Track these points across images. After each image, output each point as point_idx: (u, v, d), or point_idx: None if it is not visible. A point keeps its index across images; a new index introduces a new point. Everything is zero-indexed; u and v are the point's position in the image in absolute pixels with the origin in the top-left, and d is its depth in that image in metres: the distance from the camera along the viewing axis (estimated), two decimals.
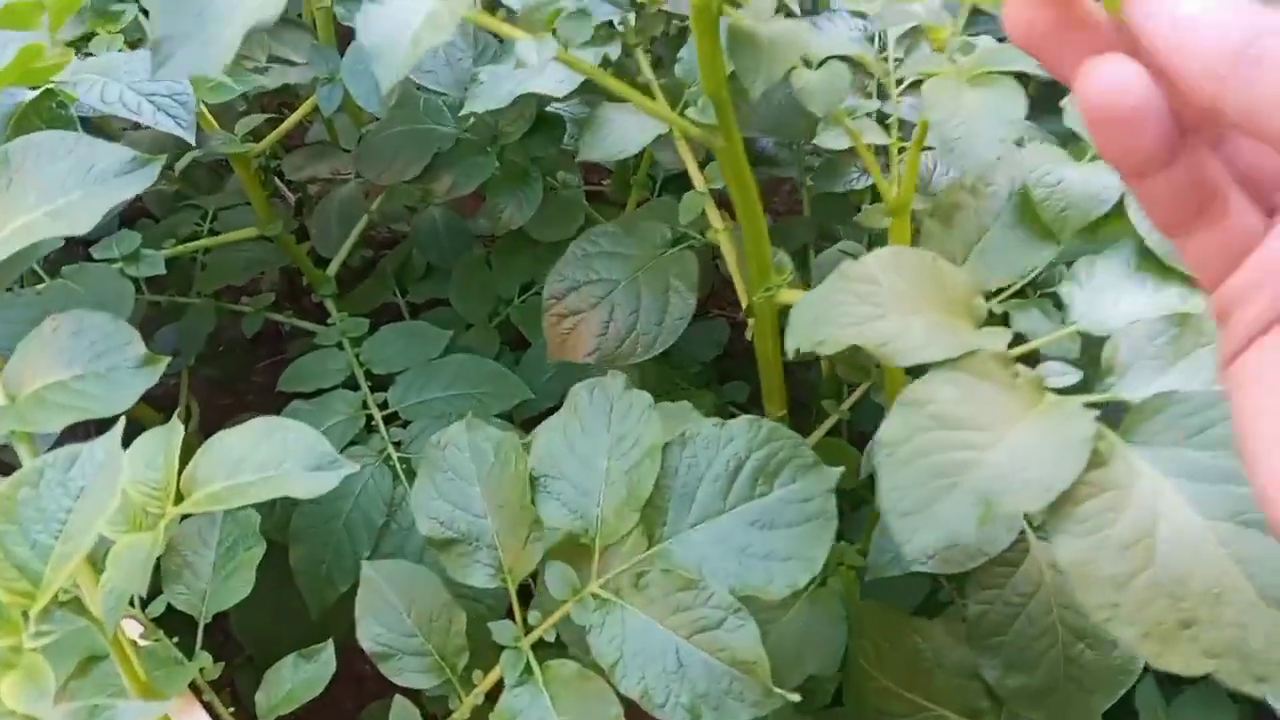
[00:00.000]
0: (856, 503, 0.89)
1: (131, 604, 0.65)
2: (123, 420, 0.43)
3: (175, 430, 0.47)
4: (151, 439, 0.47)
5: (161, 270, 0.79)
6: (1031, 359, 0.51)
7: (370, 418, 0.85)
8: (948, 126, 0.54)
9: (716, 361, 1.18)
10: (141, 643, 0.64)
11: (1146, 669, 0.91)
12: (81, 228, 0.47)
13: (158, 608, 0.65)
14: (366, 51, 0.47)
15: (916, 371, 0.48)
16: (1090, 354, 0.52)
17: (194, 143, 0.63)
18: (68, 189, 0.48)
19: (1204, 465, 0.42)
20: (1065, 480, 0.41)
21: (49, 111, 0.57)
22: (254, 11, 0.45)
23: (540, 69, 0.50)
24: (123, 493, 0.48)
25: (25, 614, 0.40)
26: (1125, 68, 0.25)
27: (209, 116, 0.80)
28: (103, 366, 0.50)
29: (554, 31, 0.49)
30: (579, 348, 0.80)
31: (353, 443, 0.83)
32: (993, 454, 0.42)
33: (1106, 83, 0.25)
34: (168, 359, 0.51)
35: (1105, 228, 0.57)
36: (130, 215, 1.26)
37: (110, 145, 0.50)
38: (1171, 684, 0.88)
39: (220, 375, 1.22)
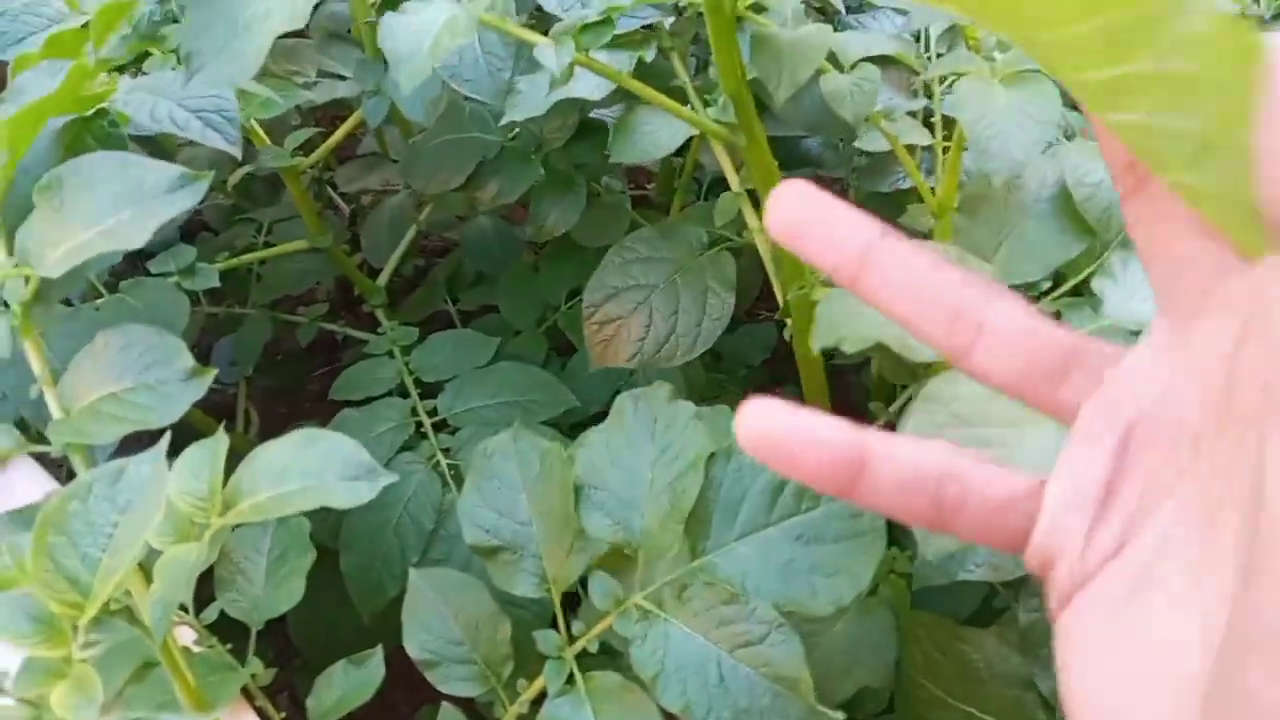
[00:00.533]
0: None
1: (185, 611, 0.66)
2: (168, 435, 0.44)
3: (221, 442, 0.48)
4: (199, 450, 0.48)
5: (215, 283, 0.81)
6: None
7: (420, 424, 0.86)
8: (979, 127, 0.53)
9: (766, 365, 1.17)
10: (195, 649, 0.65)
11: None
12: (133, 244, 0.48)
13: (211, 614, 0.67)
14: (389, 59, 0.48)
15: None
16: None
17: (241, 158, 0.64)
18: (119, 208, 0.49)
19: None
20: None
21: (101, 131, 0.58)
22: (278, 24, 0.46)
23: (566, 74, 0.50)
24: (170, 503, 0.49)
25: (75, 625, 0.41)
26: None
27: (259, 131, 0.81)
28: (152, 379, 0.51)
29: (575, 37, 0.49)
30: (620, 354, 0.80)
31: (403, 449, 0.84)
32: (1017, 453, 0.41)
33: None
34: (214, 371, 0.52)
35: None
36: (190, 229, 1.30)
37: (158, 163, 0.51)
38: None
39: (278, 384, 1.24)
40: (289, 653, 1.01)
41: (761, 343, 1.13)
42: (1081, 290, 0.54)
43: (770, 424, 0.25)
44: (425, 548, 0.80)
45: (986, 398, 0.44)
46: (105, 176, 0.50)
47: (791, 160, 1.04)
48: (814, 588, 0.55)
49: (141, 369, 0.51)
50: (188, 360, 0.50)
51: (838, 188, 1.39)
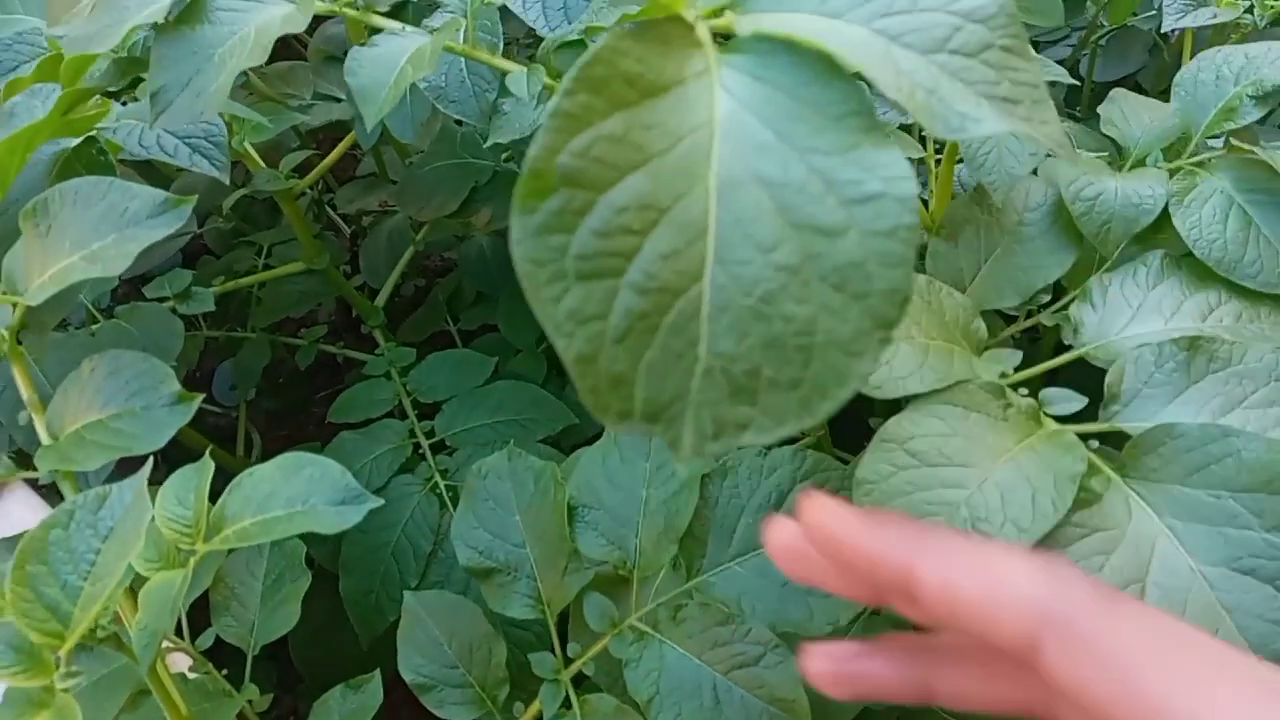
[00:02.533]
0: None
1: (181, 636, 0.66)
2: (150, 461, 0.43)
3: (206, 467, 0.48)
4: (184, 476, 0.48)
5: (210, 307, 0.81)
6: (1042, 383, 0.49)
7: (418, 445, 0.85)
8: (976, 143, 0.53)
9: None
10: (191, 675, 0.64)
11: None
12: (115, 270, 0.48)
13: (207, 640, 0.66)
14: (353, 93, 0.48)
15: None
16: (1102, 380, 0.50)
17: (235, 181, 0.63)
18: (102, 233, 0.49)
19: (1201, 505, 0.40)
20: (1046, 522, 0.39)
21: (90, 158, 0.58)
22: (242, 60, 0.47)
23: (543, 98, 0.50)
24: (156, 529, 0.48)
25: (56, 655, 0.40)
26: None
27: (254, 155, 0.81)
28: (138, 405, 0.51)
29: (549, 57, 0.48)
30: None
31: (400, 471, 0.83)
32: (978, 493, 0.41)
33: None
34: (200, 396, 0.51)
35: (1151, 240, 0.54)
36: (192, 253, 1.30)
37: (141, 188, 0.51)
38: None
39: (280, 407, 1.24)
40: (293, 678, 1.00)
41: None
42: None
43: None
44: (424, 570, 0.79)
45: (943, 437, 0.43)
46: (89, 201, 0.49)
47: None
48: (810, 609, 0.54)
49: (128, 395, 0.50)
50: (174, 385, 0.50)
51: None
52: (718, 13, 0.32)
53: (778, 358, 0.27)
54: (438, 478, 0.83)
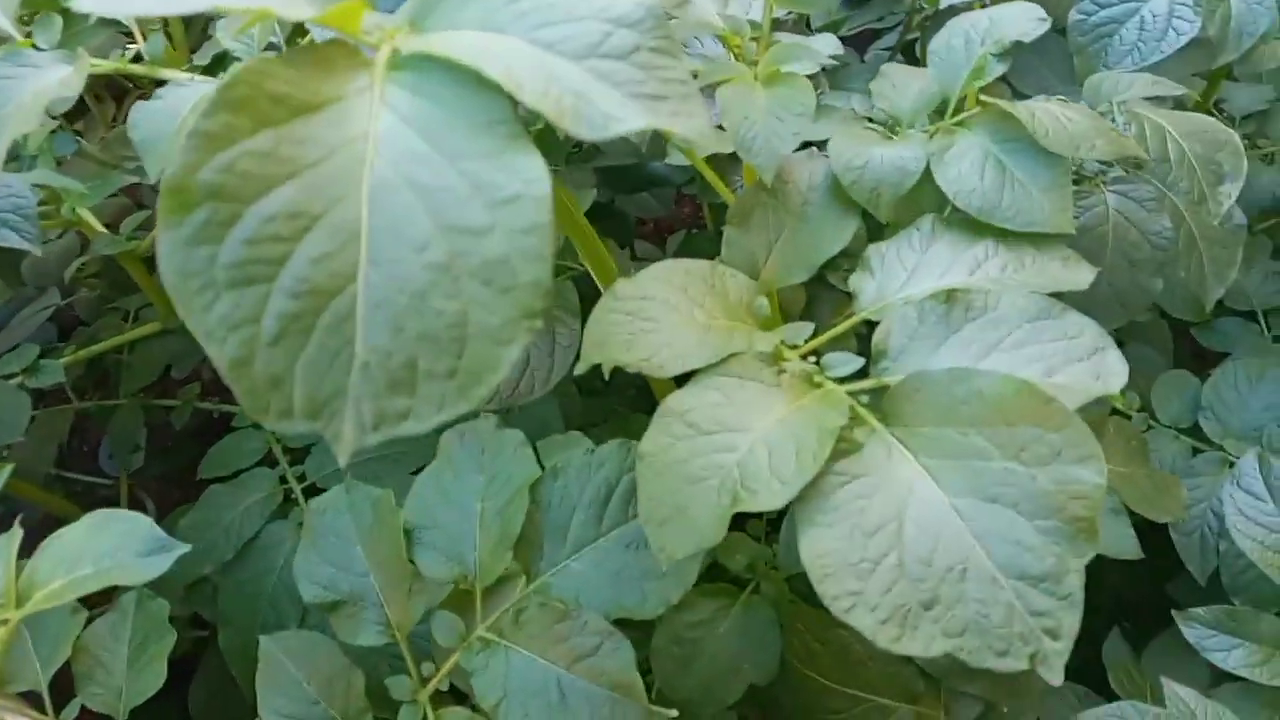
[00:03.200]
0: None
1: (44, 711, 0.65)
2: None
3: (14, 537, 0.48)
4: None
5: (60, 379, 0.80)
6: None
7: (290, 491, 0.85)
8: (743, 129, 0.55)
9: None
10: None
11: (1110, 620, 0.91)
12: None
13: (72, 711, 0.65)
14: (135, 146, 0.49)
15: None
16: None
17: (40, 251, 0.64)
18: None
19: (951, 443, 0.42)
20: (807, 474, 0.41)
21: None
22: (18, 127, 0.47)
23: None
24: None
25: None
26: None
27: (91, 221, 0.81)
28: None
29: None
30: None
31: (273, 518, 0.83)
32: (748, 455, 0.43)
33: None
34: (10, 467, 0.51)
35: (919, 195, 0.57)
36: (68, 325, 1.29)
37: None
38: (1147, 631, 0.87)
39: (170, 470, 1.22)
40: None
41: None
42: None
43: None
44: (302, 616, 0.79)
45: (718, 406, 0.45)
46: None
47: (642, 182, 1.06)
48: (644, 592, 0.56)
49: None
50: None
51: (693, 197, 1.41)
52: (390, 35, 0.33)
53: (433, 350, 0.28)
54: None
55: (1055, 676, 0.41)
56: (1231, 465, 0.82)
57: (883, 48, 1.20)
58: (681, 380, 0.52)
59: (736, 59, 0.62)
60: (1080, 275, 0.53)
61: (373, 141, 0.30)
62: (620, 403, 1.16)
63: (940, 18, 1.14)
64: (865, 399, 0.47)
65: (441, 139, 0.30)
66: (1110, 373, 0.46)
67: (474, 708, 0.57)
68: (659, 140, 0.84)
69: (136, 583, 0.46)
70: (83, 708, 0.66)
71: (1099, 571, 0.43)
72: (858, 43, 1.21)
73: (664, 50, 0.33)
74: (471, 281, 0.28)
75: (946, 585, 0.41)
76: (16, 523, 0.49)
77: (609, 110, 0.31)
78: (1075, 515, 0.41)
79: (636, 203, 1.13)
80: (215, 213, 0.28)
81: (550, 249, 0.28)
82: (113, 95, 1.32)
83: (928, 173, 0.57)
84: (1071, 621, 0.41)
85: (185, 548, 0.48)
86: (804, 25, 1.06)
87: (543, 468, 0.60)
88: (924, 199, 0.57)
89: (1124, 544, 0.75)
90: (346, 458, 0.28)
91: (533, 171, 0.29)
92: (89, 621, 0.68)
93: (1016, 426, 0.42)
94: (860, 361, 0.50)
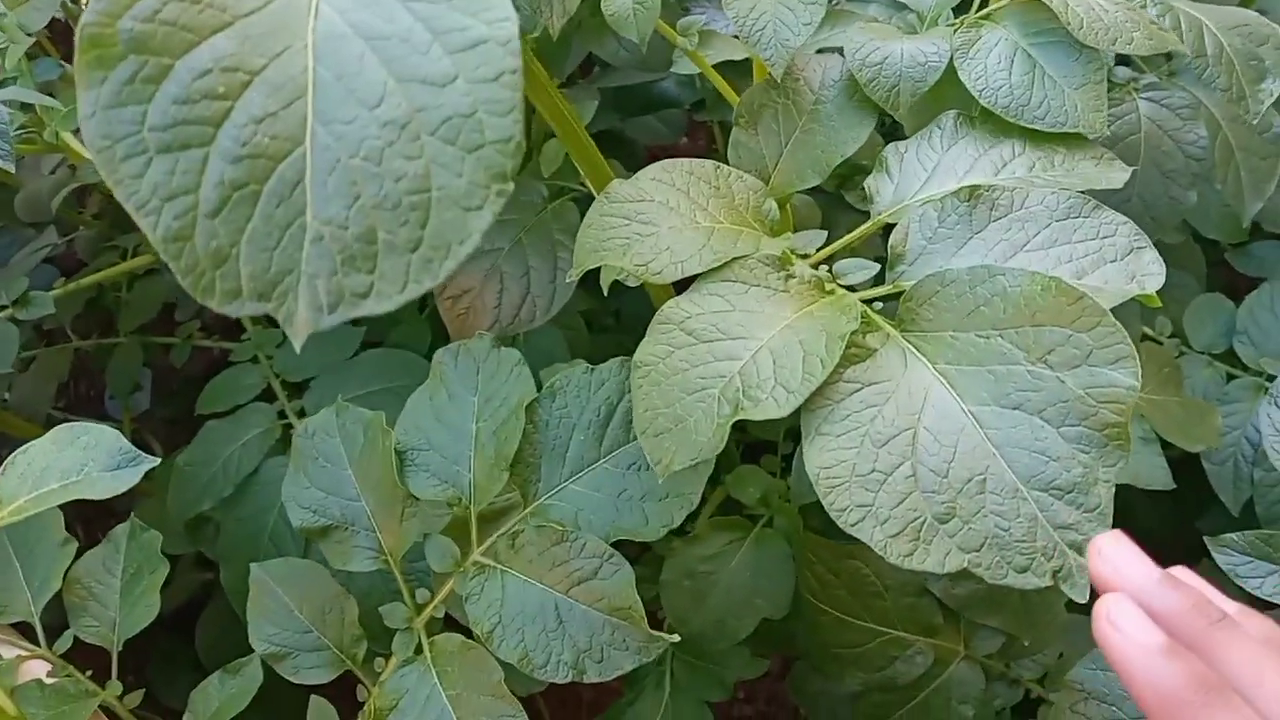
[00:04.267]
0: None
1: (37, 643, 0.64)
2: None
3: None
4: None
5: (49, 310, 0.78)
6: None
7: (288, 426, 0.83)
8: (749, 19, 0.51)
9: None
10: (49, 681, 0.62)
11: None
12: None
13: (65, 643, 0.64)
14: None
15: None
16: None
17: (14, 169, 0.61)
18: None
19: (972, 348, 0.39)
20: (814, 381, 0.38)
21: None
22: None
23: None
24: None
25: None
26: None
27: (75, 146, 0.78)
28: None
29: None
30: (478, 324, 0.78)
31: (271, 454, 0.81)
32: (751, 363, 0.40)
33: None
34: None
35: (942, 96, 0.53)
36: (70, 267, 1.26)
37: None
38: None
39: (177, 414, 1.21)
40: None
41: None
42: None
43: None
44: (304, 551, 0.78)
45: (720, 314, 0.42)
46: None
47: (649, 103, 1.02)
48: (646, 514, 0.54)
49: None
50: None
51: (706, 127, 1.37)
52: None
53: (392, 218, 0.25)
54: None
55: (1080, 594, 0.38)
56: (1266, 390, 0.79)
57: None
58: (683, 290, 0.49)
59: None
60: (1114, 174, 0.49)
61: None
62: (631, 340, 1.13)
63: None
64: (880, 306, 0.44)
65: None
66: (1146, 273, 0.43)
67: (470, 634, 0.56)
68: (666, 51, 0.79)
69: (102, 496, 0.43)
70: (75, 639, 0.65)
71: (1125, 505, 0.41)
72: None
73: None
74: (433, 140, 0.25)
75: (964, 497, 0.38)
76: None
77: None
78: (1106, 421, 0.38)
79: (645, 129, 1.08)
80: (140, 67, 0.25)
81: (520, 99, 0.25)
82: None
83: (950, 73, 0.53)
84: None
85: (154, 461, 0.45)
86: None
87: (540, 390, 0.58)
88: (944, 100, 0.54)
89: (1155, 474, 0.71)
90: (302, 340, 0.25)
91: (498, 11, 0.25)
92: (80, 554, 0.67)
93: (1044, 327, 0.39)
94: (875, 268, 0.47)
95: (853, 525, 0.39)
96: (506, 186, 0.25)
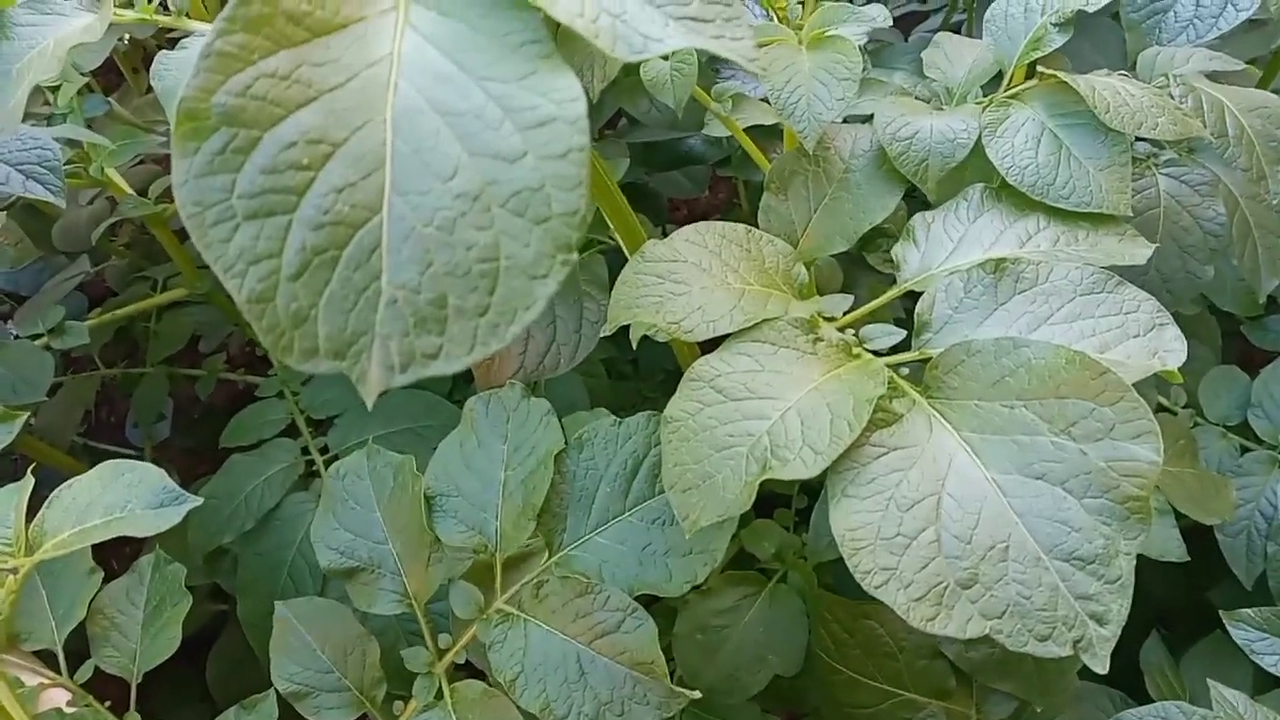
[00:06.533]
0: (815, 491, 0.87)
1: (59, 671, 0.64)
2: None
3: (26, 485, 0.47)
4: (4, 496, 0.47)
5: (85, 340, 0.80)
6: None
7: (311, 463, 0.85)
8: (785, 92, 0.53)
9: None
10: (68, 710, 0.63)
11: (1147, 626, 0.88)
12: None
13: (86, 672, 0.65)
14: (159, 97, 0.48)
15: None
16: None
17: (63, 204, 0.63)
18: None
19: (996, 417, 0.40)
20: (841, 444, 0.39)
21: None
22: (39, 74, 0.46)
23: None
24: None
25: None
26: None
27: (118, 182, 0.80)
28: None
29: None
30: (504, 371, 0.79)
31: (294, 489, 0.82)
32: (779, 422, 0.41)
33: None
34: (24, 415, 0.50)
35: (967, 172, 0.55)
36: (98, 295, 1.29)
37: None
38: (1184, 639, 0.85)
39: (197, 444, 1.22)
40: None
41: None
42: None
43: None
44: (321, 588, 0.78)
45: (750, 373, 0.43)
46: None
47: (675, 159, 1.04)
48: (670, 569, 0.54)
49: None
50: None
51: (728, 181, 1.39)
52: None
53: (462, 285, 0.26)
54: None
55: (1100, 665, 0.39)
56: None
57: (927, 30, 1.17)
58: (710, 348, 0.50)
59: (780, 22, 0.60)
60: (1137, 250, 0.51)
61: (397, 63, 0.28)
62: (649, 388, 1.15)
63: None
64: (905, 371, 0.45)
65: (469, 60, 0.28)
66: (1168, 349, 0.44)
67: (490, 682, 0.56)
68: (696, 110, 0.81)
69: (146, 534, 0.45)
70: (96, 669, 0.66)
71: (1136, 574, 0.41)
72: (902, 25, 1.19)
73: None
74: (503, 211, 0.27)
75: (986, 564, 0.39)
76: (29, 472, 0.48)
77: (648, 31, 0.29)
78: (1128, 494, 0.39)
79: (670, 183, 1.11)
80: (231, 139, 0.26)
81: (587, 175, 0.26)
82: (147, 67, 1.32)
83: (975, 148, 0.54)
84: (1120, 607, 0.39)
85: (197, 501, 0.46)
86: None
87: (567, 440, 0.59)
88: (968, 175, 0.55)
89: (1169, 545, 0.72)
90: (373, 398, 0.26)
91: (567, 92, 0.27)
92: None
93: (1067, 400, 0.40)
94: (901, 334, 0.48)
95: (877, 588, 0.40)
96: (571, 257, 0.27)
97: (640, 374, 1.17)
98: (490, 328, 0.27)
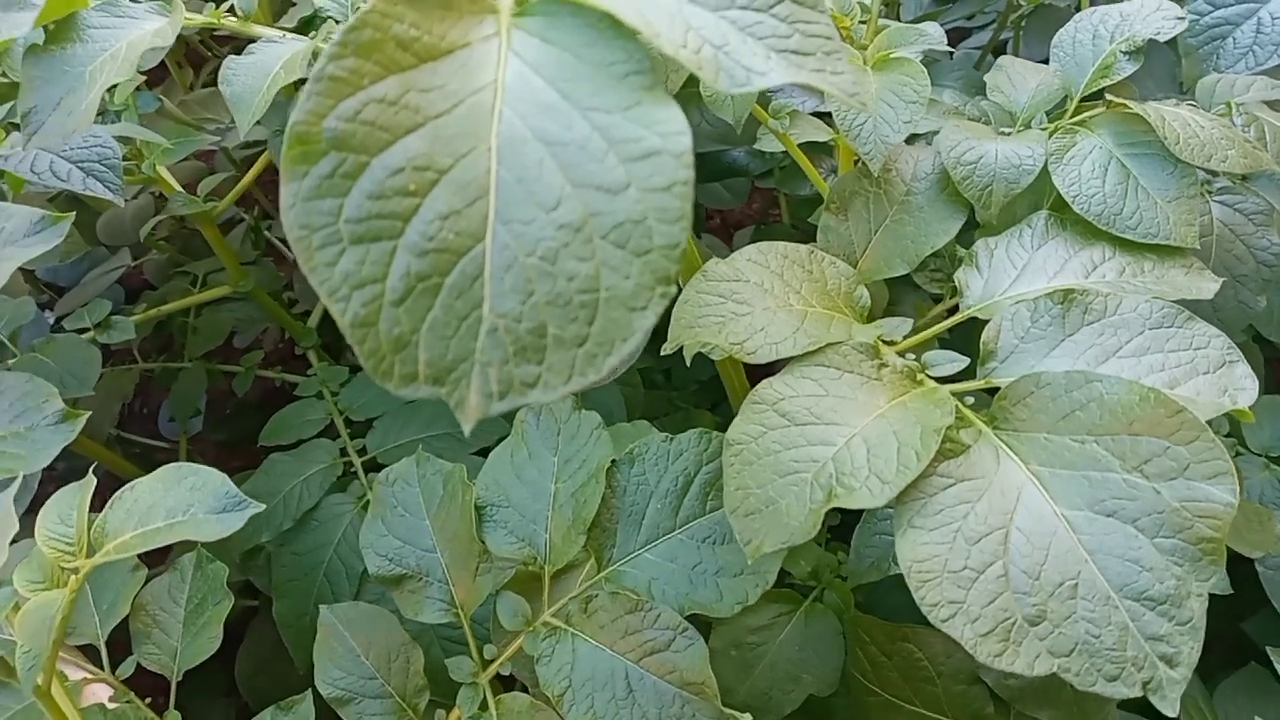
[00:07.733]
0: (848, 509, 0.86)
1: (101, 667, 0.65)
2: (19, 480, 0.43)
3: (87, 485, 0.47)
4: (65, 495, 0.47)
5: (131, 335, 0.80)
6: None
7: (350, 464, 0.85)
8: (851, 115, 0.53)
9: (717, 379, 1.16)
10: (111, 706, 0.63)
11: None
12: None
13: (128, 669, 0.65)
14: (228, 102, 0.48)
15: None
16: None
17: (124, 201, 0.63)
18: None
19: (1066, 451, 0.40)
20: (909, 474, 0.39)
21: None
22: (112, 76, 0.47)
23: None
24: (40, 551, 0.48)
25: None
26: None
27: (169, 180, 0.81)
28: (22, 425, 0.50)
29: None
30: None
31: (332, 490, 0.83)
32: (844, 449, 0.40)
33: None
34: (86, 414, 0.51)
35: (1030, 198, 0.54)
36: (135, 288, 1.29)
37: (18, 208, 0.51)
38: (1221, 670, 0.84)
39: (230, 439, 1.23)
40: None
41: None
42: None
43: None
44: (357, 590, 0.79)
45: (815, 398, 0.43)
46: None
47: (719, 171, 1.04)
48: (720, 589, 0.54)
49: (12, 417, 0.50)
50: (57, 404, 0.50)
51: (771, 194, 1.39)
52: None
53: (562, 315, 0.26)
54: (369, 495, 0.82)
55: (1170, 708, 0.39)
56: None
57: (972, 46, 1.16)
58: (758, 371, 0.50)
59: (844, 42, 0.60)
60: (1205, 284, 0.50)
61: (500, 91, 0.28)
62: (681, 397, 1.15)
63: (1037, 16, 1.11)
64: (970, 400, 0.45)
65: (573, 89, 0.28)
66: (1239, 388, 0.44)
67: (533, 695, 0.56)
68: (749, 124, 0.81)
69: (208, 539, 0.45)
70: (138, 666, 0.66)
71: None
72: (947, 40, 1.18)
73: (806, 3, 0.31)
74: (605, 243, 0.26)
75: (1055, 601, 0.39)
76: (90, 472, 0.48)
77: (751, 64, 0.29)
78: (1201, 535, 0.39)
79: (710, 194, 1.10)
80: (340, 163, 0.26)
81: (690, 208, 0.26)
82: (191, 63, 1.33)
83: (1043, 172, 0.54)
84: (1192, 650, 0.39)
85: (259, 507, 0.46)
86: (894, 18, 1.03)
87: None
88: (1018, 200, 0.55)
89: None
90: (471, 425, 0.26)
91: (672, 124, 0.27)
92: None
93: (1140, 437, 0.40)
94: (965, 361, 0.48)
95: (944, 621, 0.39)
96: (670, 289, 0.27)
97: (673, 384, 1.17)
98: (588, 358, 0.26)
